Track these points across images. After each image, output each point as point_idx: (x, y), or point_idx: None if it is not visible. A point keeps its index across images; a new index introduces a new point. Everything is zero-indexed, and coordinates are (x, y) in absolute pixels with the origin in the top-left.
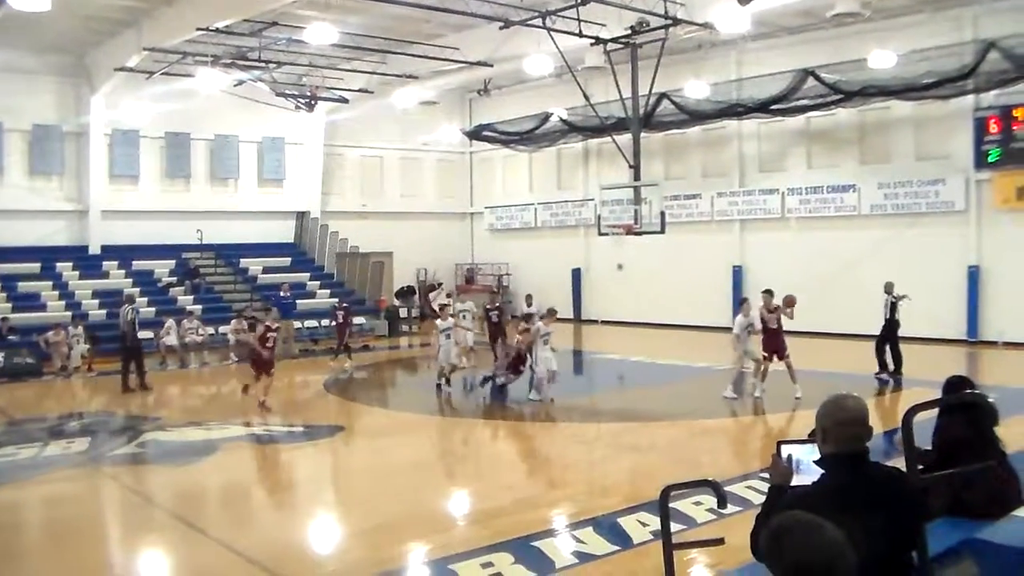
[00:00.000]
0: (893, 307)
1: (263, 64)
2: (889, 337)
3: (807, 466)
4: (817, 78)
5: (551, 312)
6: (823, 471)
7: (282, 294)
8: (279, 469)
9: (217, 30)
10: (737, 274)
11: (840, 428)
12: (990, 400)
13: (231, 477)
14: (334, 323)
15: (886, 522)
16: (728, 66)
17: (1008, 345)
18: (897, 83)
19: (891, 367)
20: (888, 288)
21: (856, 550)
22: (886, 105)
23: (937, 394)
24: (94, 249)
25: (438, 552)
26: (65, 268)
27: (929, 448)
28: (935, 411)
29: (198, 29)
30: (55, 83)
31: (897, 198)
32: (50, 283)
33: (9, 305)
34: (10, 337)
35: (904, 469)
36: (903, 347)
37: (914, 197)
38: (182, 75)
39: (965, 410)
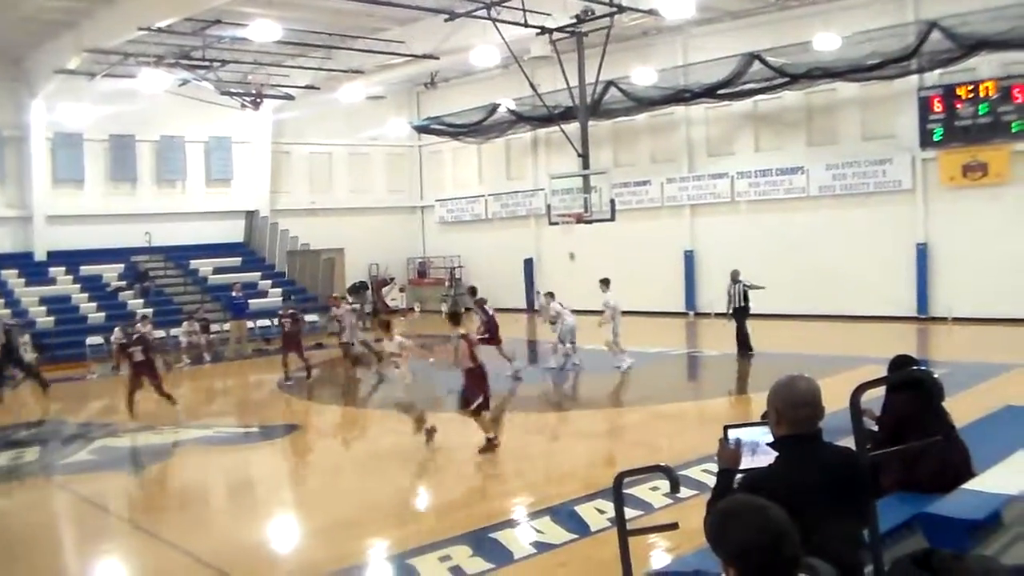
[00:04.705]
0: (745, 294)
1: (207, 63)
2: (741, 320)
3: (762, 448)
4: (763, 62)
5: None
6: (776, 453)
7: (234, 294)
8: (234, 470)
9: (159, 29)
10: (689, 258)
11: (793, 410)
12: (935, 376)
13: (185, 480)
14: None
15: (839, 501)
16: (674, 52)
17: (957, 320)
18: (842, 65)
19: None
20: (735, 276)
21: (810, 529)
22: (832, 87)
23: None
24: (40, 255)
25: (396, 547)
26: (11, 275)
27: (875, 427)
28: (882, 389)
29: (139, 29)
30: None
31: (845, 179)
32: None
33: None
34: None
35: (854, 448)
36: (850, 324)
37: (862, 177)
38: (125, 76)
39: (912, 387)
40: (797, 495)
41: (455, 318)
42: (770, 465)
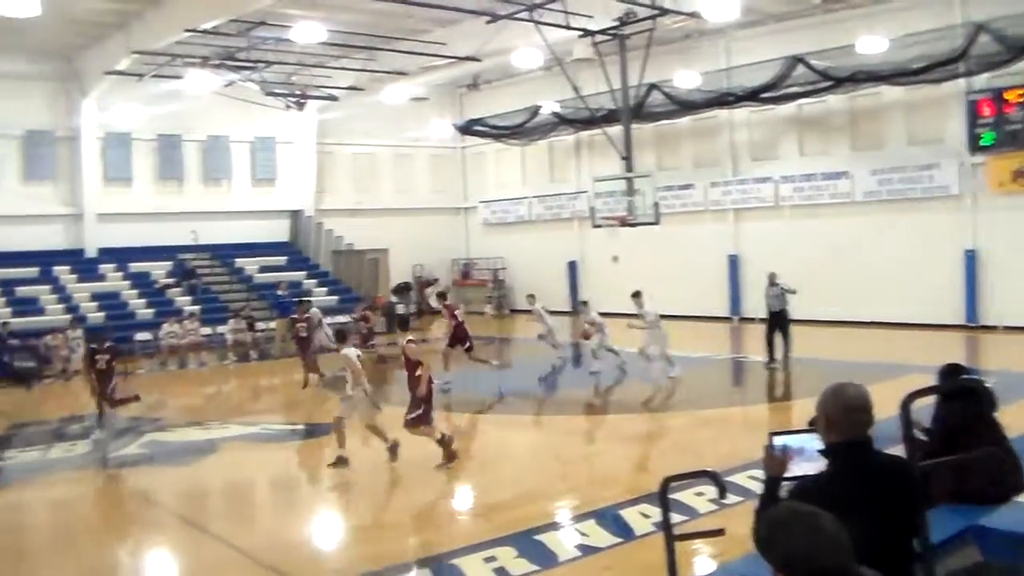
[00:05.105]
0: (782, 297)
1: (252, 64)
2: (781, 325)
3: (809, 455)
4: (807, 65)
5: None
6: (827, 460)
7: (280, 293)
8: (279, 468)
9: (205, 31)
10: (733, 263)
11: (845, 416)
12: (988, 386)
13: (232, 476)
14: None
15: (890, 510)
16: (717, 55)
17: (1008, 329)
18: (887, 68)
19: (779, 354)
20: (772, 278)
21: (861, 539)
22: (877, 91)
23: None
24: (90, 252)
25: (441, 547)
26: (63, 272)
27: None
28: (930, 398)
29: (186, 30)
30: (46, 88)
31: (891, 184)
32: (48, 287)
33: (9, 310)
34: (10, 341)
35: (904, 456)
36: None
37: (908, 182)
38: (172, 77)
39: (964, 396)
40: (848, 503)
41: (403, 324)
42: (821, 473)
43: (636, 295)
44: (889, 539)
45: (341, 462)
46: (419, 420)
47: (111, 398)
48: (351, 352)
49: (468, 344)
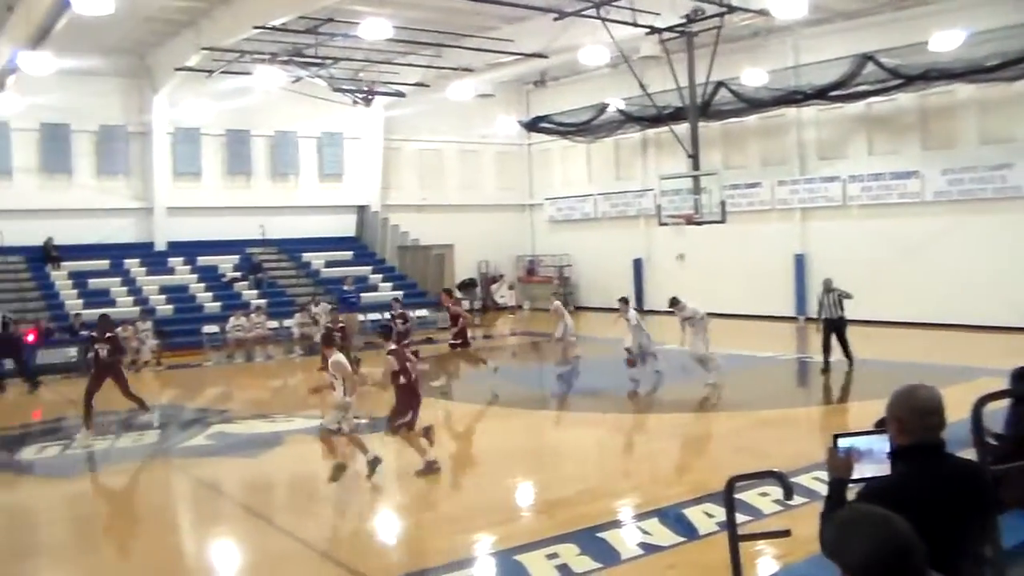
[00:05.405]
0: (840, 302)
1: (320, 60)
2: (839, 331)
3: (876, 456)
4: (877, 63)
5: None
6: (895, 463)
7: (345, 288)
8: (344, 461)
9: (274, 28)
10: (799, 263)
11: (918, 418)
12: None
13: (297, 468)
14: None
15: (962, 515)
16: (785, 53)
17: None
18: (960, 66)
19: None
20: (828, 284)
21: (931, 543)
22: (948, 89)
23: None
24: (160, 245)
25: (503, 543)
26: (133, 264)
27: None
28: (1001, 402)
29: (255, 27)
30: (119, 84)
31: (962, 184)
32: (119, 279)
33: (81, 301)
34: (82, 333)
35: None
36: (967, 334)
37: (980, 183)
38: (241, 73)
39: None
40: (919, 507)
41: (386, 332)
42: (892, 475)
43: (674, 301)
44: (960, 544)
45: (340, 469)
46: (405, 426)
47: (127, 391)
48: (341, 357)
49: (465, 342)
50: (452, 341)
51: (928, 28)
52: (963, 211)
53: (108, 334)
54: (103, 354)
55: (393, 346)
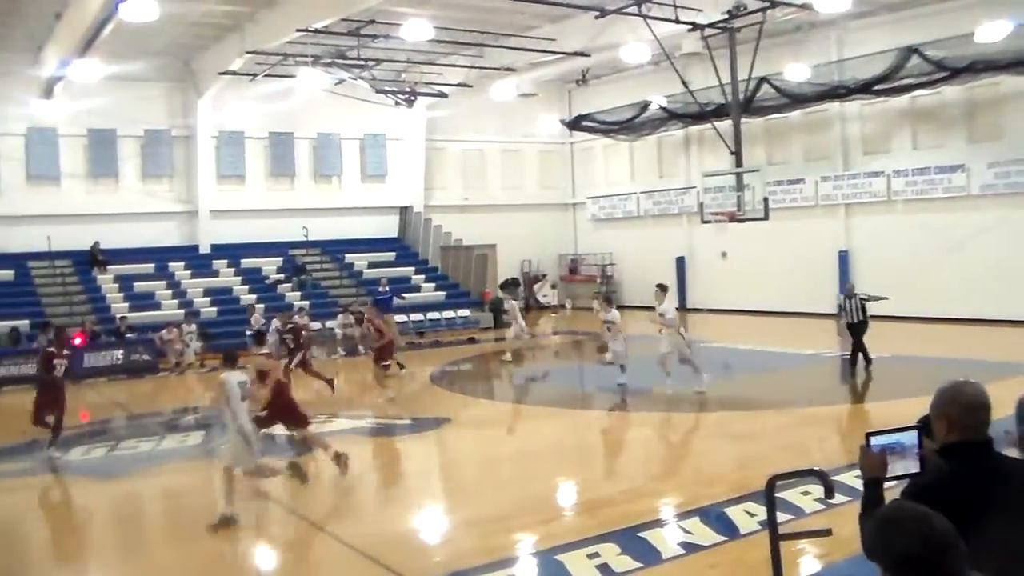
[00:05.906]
0: (863, 308)
1: (362, 62)
2: (859, 336)
3: (910, 453)
4: (921, 55)
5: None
6: (947, 461)
7: (381, 289)
8: (387, 461)
9: (316, 31)
10: (843, 259)
11: (967, 415)
12: None
13: (337, 469)
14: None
15: (1010, 514)
16: (828, 47)
17: None
18: (1007, 57)
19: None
20: (850, 291)
21: (979, 543)
22: (995, 81)
23: None
24: (204, 248)
25: (544, 542)
26: (177, 268)
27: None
28: None
29: (298, 30)
30: (164, 89)
31: (1009, 177)
32: (164, 282)
33: (126, 304)
34: (128, 335)
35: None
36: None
37: None
38: (284, 76)
39: None
40: (967, 506)
41: (259, 338)
42: (938, 474)
43: (662, 288)
44: (1007, 545)
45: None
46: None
47: (59, 420)
48: (230, 377)
49: (386, 362)
50: (376, 356)
51: (974, 19)
52: (1010, 205)
53: (65, 350)
54: (59, 371)
55: (265, 351)
